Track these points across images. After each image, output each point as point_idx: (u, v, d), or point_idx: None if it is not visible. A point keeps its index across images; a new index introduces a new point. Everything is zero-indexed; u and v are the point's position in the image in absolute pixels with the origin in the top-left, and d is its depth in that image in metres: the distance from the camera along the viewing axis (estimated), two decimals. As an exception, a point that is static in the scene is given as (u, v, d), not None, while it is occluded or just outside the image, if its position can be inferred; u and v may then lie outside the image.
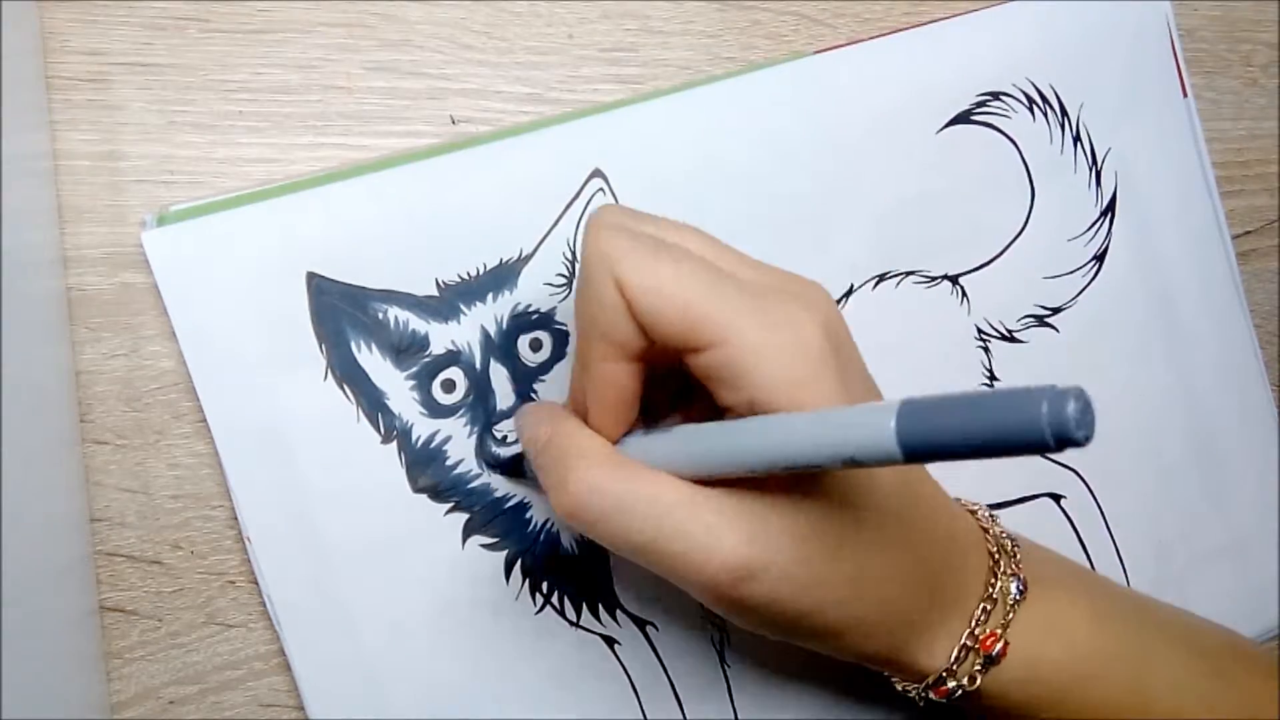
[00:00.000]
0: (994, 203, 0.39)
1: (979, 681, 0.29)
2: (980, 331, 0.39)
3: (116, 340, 0.33)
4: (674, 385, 0.30)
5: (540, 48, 0.36)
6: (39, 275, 0.30)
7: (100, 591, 0.32)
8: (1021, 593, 0.30)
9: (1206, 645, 0.33)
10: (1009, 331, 0.39)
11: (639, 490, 0.26)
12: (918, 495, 0.29)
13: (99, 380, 0.32)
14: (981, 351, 0.39)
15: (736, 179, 0.36)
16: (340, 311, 0.33)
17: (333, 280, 0.33)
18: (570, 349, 0.35)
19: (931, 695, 0.30)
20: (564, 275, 0.35)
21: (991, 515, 0.32)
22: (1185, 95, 0.41)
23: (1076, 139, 0.40)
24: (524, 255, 0.34)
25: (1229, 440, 0.42)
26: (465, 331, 0.34)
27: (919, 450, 0.22)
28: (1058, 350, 0.40)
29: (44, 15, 0.32)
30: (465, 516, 0.34)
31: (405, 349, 0.33)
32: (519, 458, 0.34)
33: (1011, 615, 0.29)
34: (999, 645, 0.29)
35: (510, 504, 0.34)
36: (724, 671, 0.36)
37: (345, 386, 0.33)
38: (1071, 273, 0.40)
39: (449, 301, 0.34)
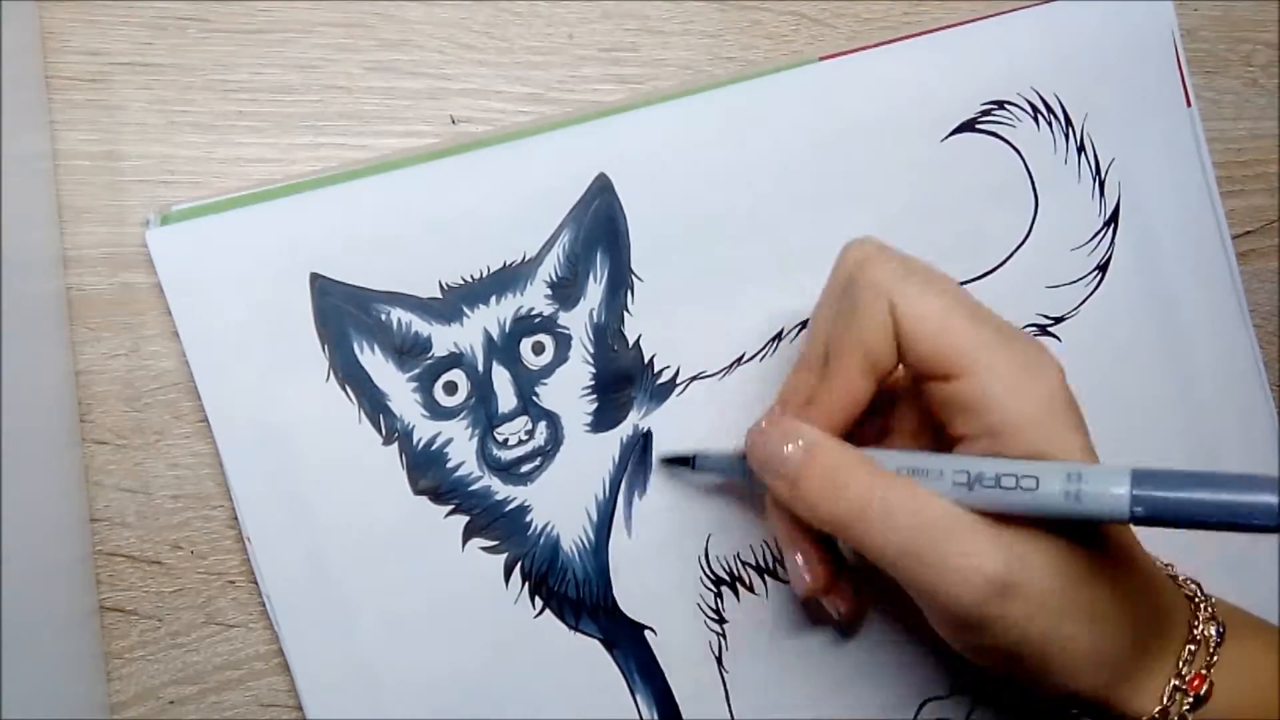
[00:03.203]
0: (997, 211, 0.39)
1: None
2: (982, 338, 0.39)
3: (116, 340, 0.32)
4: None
5: (540, 48, 0.36)
6: (39, 275, 0.30)
7: (100, 591, 0.32)
8: (1221, 635, 0.31)
9: None
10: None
11: (908, 501, 0.28)
12: (1133, 542, 0.31)
13: (99, 380, 0.32)
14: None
15: (741, 185, 0.36)
16: (343, 312, 0.33)
17: (336, 281, 0.33)
18: (573, 351, 0.35)
19: None
20: (568, 279, 0.35)
21: (1170, 565, 0.34)
22: (1189, 105, 0.41)
23: (1080, 149, 0.40)
24: (528, 258, 0.34)
25: (1229, 443, 0.42)
26: (468, 334, 0.34)
27: (1146, 519, 0.24)
28: (1060, 359, 0.40)
29: (44, 15, 0.32)
30: (465, 519, 0.34)
31: (407, 351, 0.33)
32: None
33: (1214, 657, 0.30)
34: (1205, 686, 0.30)
35: (511, 507, 0.34)
36: (721, 676, 0.36)
37: (347, 388, 0.33)
38: (1074, 282, 0.40)
39: (452, 304, 0.34)
